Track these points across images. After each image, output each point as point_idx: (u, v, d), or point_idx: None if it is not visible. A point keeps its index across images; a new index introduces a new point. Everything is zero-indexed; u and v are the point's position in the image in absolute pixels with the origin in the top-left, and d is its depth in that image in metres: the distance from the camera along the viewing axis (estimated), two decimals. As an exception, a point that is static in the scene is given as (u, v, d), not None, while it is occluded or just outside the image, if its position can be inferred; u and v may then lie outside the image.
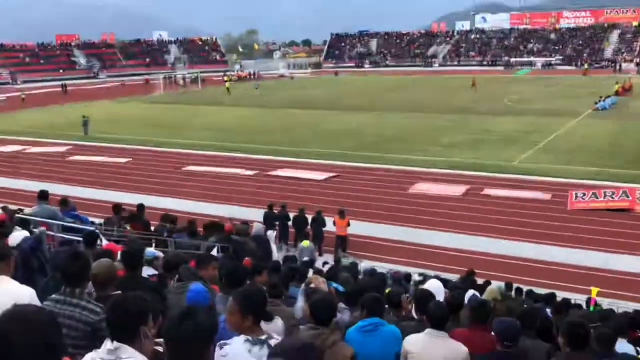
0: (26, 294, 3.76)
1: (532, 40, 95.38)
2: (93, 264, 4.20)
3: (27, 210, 11.91)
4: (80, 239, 7.34)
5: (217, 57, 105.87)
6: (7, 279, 3.93)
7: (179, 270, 5.75)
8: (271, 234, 14.00)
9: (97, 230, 8.36)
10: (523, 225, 17.54)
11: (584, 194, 19.51)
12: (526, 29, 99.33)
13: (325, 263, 13.20)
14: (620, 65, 75.78)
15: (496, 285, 10.68)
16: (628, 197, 18.92)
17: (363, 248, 16.46)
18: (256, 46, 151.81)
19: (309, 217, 16.40)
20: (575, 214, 18.52)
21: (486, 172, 24.01)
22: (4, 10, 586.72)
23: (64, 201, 11.08)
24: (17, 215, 10.92)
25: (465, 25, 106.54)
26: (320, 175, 24.31)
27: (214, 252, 9.79)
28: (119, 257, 5.95)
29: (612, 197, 19.08)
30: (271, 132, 35.15)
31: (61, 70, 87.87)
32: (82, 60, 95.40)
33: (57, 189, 20.48)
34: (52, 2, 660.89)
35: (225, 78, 76.07)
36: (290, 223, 16.60)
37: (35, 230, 8.05)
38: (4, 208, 13.68)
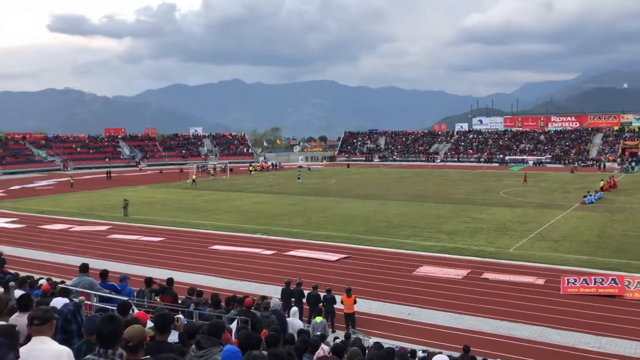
0: (64, 353, 3.77)
1: (523, 141, 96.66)
2: (126, 329, 4.19)
3: (68, 281, 11.95)
4: (115, 308, 7.33)
5: (245, 150, 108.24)
6: (49, 340, 3.95)
7: (199, 339, 5.68)
8: (295, 310, 13.79)
9: (129, 300, 8.33)
10: (519, 308, 17.10)
11: (575, 280, 19.09)
12: (518, 130, 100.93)
13: (336, 338, 12.88)
14: (604, 164, 76.09)
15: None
16: (617, 284, 18.44)
17: (371, 325, 16.07)
18: (278, 141, 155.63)
19: (322, 295, 16.17)
20: (568, 298, 18.05)
21: (485, 257, 23.71)
22: (62, 107, 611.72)
23: (103, 273, 11.11)
24: (59, 285, 10.95)
25: (464, 127, 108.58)
26: (332, 256, 24.15)
27: (234, 324, 9.67)
28: (147, 325, 5.91)
29: (602, 284, 18.61)
30: (289, 216, 35.32)
31: (107, 159, 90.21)
32: (126, 150, 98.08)
33: (97, 264, 20.55)
34: (104, 101, 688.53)
35: (250, 168, 77.72)
36: (304, 300, 16.35)
37: (75, 299, 8.06)
38: (48, 280, 13.75)
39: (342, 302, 15.90)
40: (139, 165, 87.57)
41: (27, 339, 4.11)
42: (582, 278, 19.15)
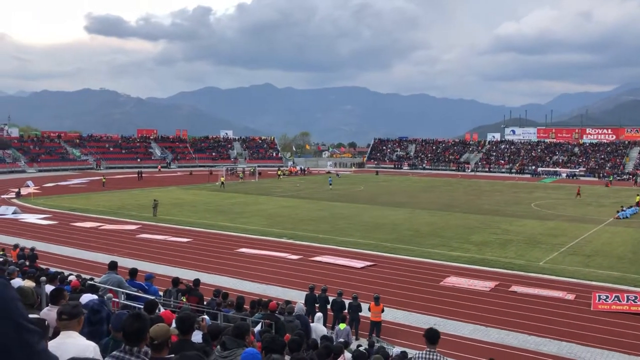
0: (90, 348, 3.86)
1: (557, 153, 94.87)
2: (152, 327, 4.25)
3: (97, 279, 12.19)
4: (141, 306, 7.45)
5: (274, 154, 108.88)
6: (77, 334, 4.05)
7: (224, 340, 5.73)
8: (319, 316, 13.81)
9: (156, 299, 8.45)
10: (547, 323, 16.74)
11: (607, 297, 18.62)
12: (552, 142, 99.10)
13: (359, 346, 12.82)
14: (640, 179, 74.09)
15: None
16: (650, 302, 17.93)
17: (395, 335, 15.94)
18: (308, 146, 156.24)
19: (347, 302, 16.12)
20: (598, 315, 17.60)
21: (513, 270, 23.31)
22: (96, 107, 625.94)
23: (132, 272, 11.30)
24: (88, 282, 11.18)
25: (496, 137, 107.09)
26: (358, 264, 24.06)
27: (258, 327, 9.72)
28: (173, 324, 5.98)
29: (635, 302, 18.10)
30: (315, 221, 35.34)
31: (139, 160, 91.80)
32: (157, 151, 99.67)
33: (126, 262, 20.92)
34: (137, 102, 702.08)
35: (279, 172, 78.09)
36: (329, 306, 16.31)
37: (103, 296, 8.22)
38: (77, 276, 14.04)
39: (369, 310, 15.82)
40: (158, 167, 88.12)
41: (56, 334, 4.21)
42: (614, 295, 18.68)
